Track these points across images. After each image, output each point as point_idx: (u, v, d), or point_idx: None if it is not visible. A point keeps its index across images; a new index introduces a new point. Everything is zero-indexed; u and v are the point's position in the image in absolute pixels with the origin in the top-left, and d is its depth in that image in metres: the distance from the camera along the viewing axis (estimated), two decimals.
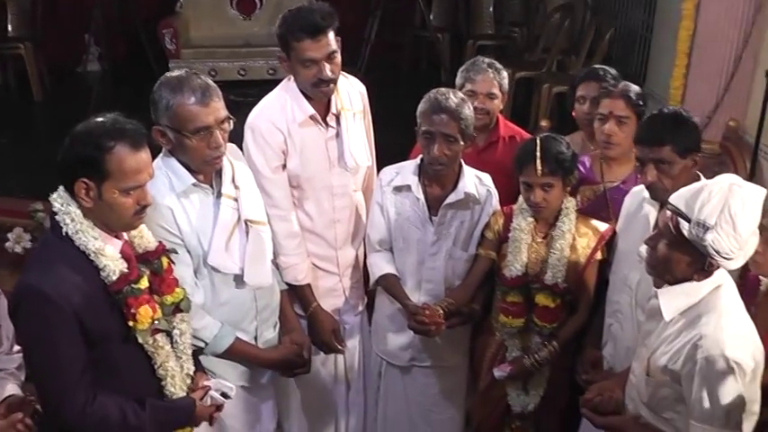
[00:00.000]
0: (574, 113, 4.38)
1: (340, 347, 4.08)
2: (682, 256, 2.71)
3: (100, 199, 2.77)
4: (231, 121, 3.32)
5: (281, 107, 3.80)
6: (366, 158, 4.05)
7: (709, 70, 6.58)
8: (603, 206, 3.96)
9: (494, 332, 3.97)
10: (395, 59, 10.67)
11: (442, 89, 3.78)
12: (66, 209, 2.79)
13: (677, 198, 2.72)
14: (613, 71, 4.28)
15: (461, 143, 3.71)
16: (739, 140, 6.14)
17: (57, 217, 2.79)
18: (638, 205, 3.56)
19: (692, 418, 2.71)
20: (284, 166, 3.83)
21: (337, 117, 3.89)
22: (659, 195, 3.30)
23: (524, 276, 3.78)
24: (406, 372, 4.16)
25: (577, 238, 3.77)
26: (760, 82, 5.67)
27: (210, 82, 3.28)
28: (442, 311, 3.71)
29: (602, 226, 3.81)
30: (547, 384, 3.91)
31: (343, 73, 3.92)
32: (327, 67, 3.66)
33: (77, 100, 9.18)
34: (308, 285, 3.99)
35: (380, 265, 3.96)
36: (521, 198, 3.79)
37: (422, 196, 3.85)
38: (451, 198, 3.83)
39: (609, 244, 3.78)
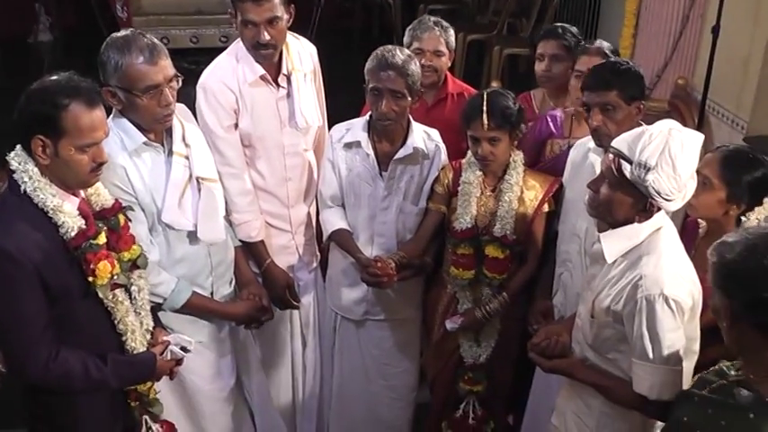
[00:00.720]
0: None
1: (295, 303, 4.13)
2: (623, 197, 2.79)
3: (56, 156, 2.79)
4: (179, 79, 3.35)
5: (233, 68, 3.82)
6: (317, 118, 4.08)
7: (658, 29, 6.70)
8: (565, 161, 4.01)
9: (445, 285, 4.04)
10: (346, 25, 10.68)
11: (389, 46, 3.81)
12: (23, 167, 2.81)
13: (619, 141, 2.79)
14: (574, 29, 4.36)
15: (409, 99, 3.75)
16: (687, 97, 6.25)
17: (14, 175, 2.81)
18: (584, 155, 3.65)
19: (634, 356, 2.79)
20: (236, 126, 3.86)
21: (288, 77, 3.92)
22: (603, 141, 3.38)
23: (474, 229, 3.83)
24: (361, 325, 4.22)
25: (525, 190, 3.83)
26: (707, 40, 5.76)
27: (156, 40, 3.30)
28: (393, 264, 3.76)
29: (550, 178, 3.89)
30: (498, 335, 3.98)
31: (294, 34, 3.96)
32: (266, 31, 3.68)
33: (29, 70, 9.13)
34: (262, 242, 4.01)
35: (333, 221, 4.00)
36: (469, 153, 3.83)
37: (371, 152, 3.89)
38: (401, 153, 3.87)
39: (556, 196, 3.86)
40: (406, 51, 3.83)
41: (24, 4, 10.55)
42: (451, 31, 4.42)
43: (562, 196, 3.85)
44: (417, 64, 3.80)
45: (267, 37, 3.68)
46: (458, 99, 4.37)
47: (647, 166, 2.68)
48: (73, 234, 2.83)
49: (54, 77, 2.84)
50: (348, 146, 3.94)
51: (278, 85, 3.90)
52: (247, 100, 3.82)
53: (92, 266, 2.85)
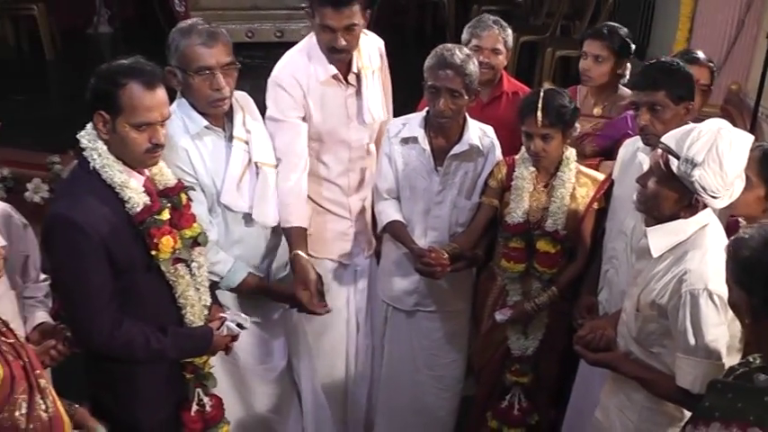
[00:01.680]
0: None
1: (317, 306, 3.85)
2: (670, 192, 2.84)
3: (113, 132, 2.93)
4: (236, 67, 3.47)
5: (305, 65, 3.90)
6: (383, 113, 4.17)
7: (712, 34, 6.67)
8: None
9: (496, 277, 4.10)
10: (400, 22, 10.71)
11: (449, 45, 3.85)
12: (93, 144, 2.95)
13: (668, 137, 2.84)
14: (623, 31, 4.37)
15: (465, 98, 3.79)
16: (740, 103, 6.23)
17: (84, 152, 2.96)
18: (632, 154, 3.68)
19: (678, 350, 2.83)
20: (303, 118, 3.91)
21: (357, 75, 3.99)
22: (650, 140, 3.42)
23: (526, 223, 3.89)
24: (411, 316, 4.28)
25: (577, 187, 3.89)
26: (762, 45, 5.75)
27: (221, 30, 3.44)
28: (447, 255, 3.83)
29: (601, 176, 3.94)
30: (545, 329, 4.04)
31: (363, 30, 3.98)
32: (342, 37, 3.73)
33: (87, 61, 9.28)
34: (301, 232, 3.87)
35: (388, 212, 4.05)
36: (523, 148, 3.91)
37: (428, 147, 3.94)
38: (456, 149, 3.93)
39: (607, 193, 3.90)
40: (466, 51, 3.86)
41: None
42: (509, 31, 4.48)
43: (611, 193, 3.88)
44: (476, 63, 3.85)
45: (343, 43, 3.75)
46: (513, 97, 4.44)
47: (694, 162, 2.72)
48: (138, 209, 2.97)
49: (121, 60, 3.00)
50: (405, 141, 4.01)
51: (347, 82, 3.97)
52: (317, 97, 3.90)
53: (155, 241, 2.99)
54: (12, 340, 2.55)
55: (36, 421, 2.50)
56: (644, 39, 8.33)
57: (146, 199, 3.01)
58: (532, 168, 3.91)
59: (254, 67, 3.83)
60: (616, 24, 4.48)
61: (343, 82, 3.96)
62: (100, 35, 10.73)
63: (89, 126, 2.99)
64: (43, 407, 2.54)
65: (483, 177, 4.04)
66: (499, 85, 4.50)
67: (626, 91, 4.32)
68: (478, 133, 3.99)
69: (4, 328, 2.57)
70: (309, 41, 3.94)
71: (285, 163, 3.83)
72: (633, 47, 4.31)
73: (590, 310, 3.86)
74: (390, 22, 10.24)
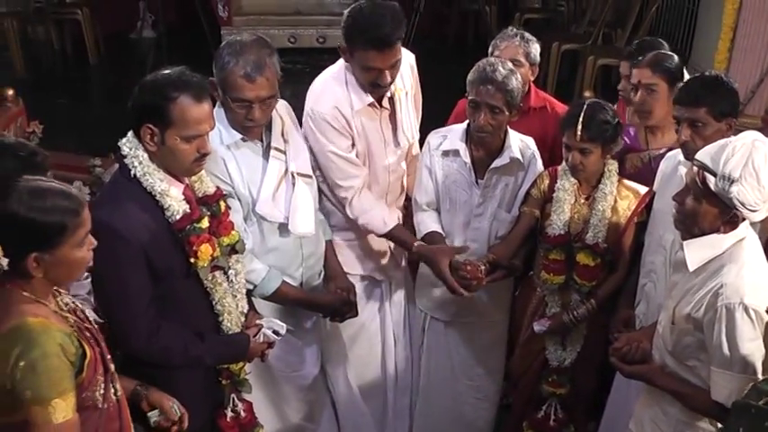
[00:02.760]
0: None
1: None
2: (709, 208, 2.80)
3: (163, 144, 2.95)
4: (277, 99, 3.48)
5: (344, 94, 3.82)
6: (415, 133, 4.15)
7: (754, 44, 6.63)
8: (650, 173, 3.99)
9: (535, 287, 4.08)
10: (442, 31, 10.73)
11: (492, 59, 3.85)
12: (134, 152, 2.97)
13: (703, 154, 2.80)
14: (663, 46, 4.29)
15: (506, 113, 3.77)
16: None
17: (125, 160, 2.98)
18: (674, 168, 3.63)
19: (713, 364, 2.81)
20: (352, 145, 3.89)
21: (391, 99, 3.94)
22: (691, 155, 3.27)
23: (566, 235, 3.87)
24: (449, 326, 4.28)
25: (618, 200, 3.85)
26: None
27: (269, 58, 3.38)
28: (483, 268, 3.80)
29: (643, 189, 3.88)
30: (584, 341, 4.02)
31: None
32: (389, 74, 3.68)
33: (130, 64, 9.42)
34: (399, 228, 4.02)
35: (427, 223, 4.03)
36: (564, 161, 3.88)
37: (469, 160, 3.92)
38: (497, 163, 3.91)
39: (648, 206, 3.85)
40: (509, 65, 3.83)
41: (128, 1, 10.85)
42: (535, 45, 4.37)
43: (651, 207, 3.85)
44: (519, 79, 3.80)
45: (389, 80, 3.71)
46: (540, 112, 4.38)
47: (731, 179, 2.69)
48: (178, 217, 3.00)
49: (167, 71, 3.00)
50: (446, 153, 3.99)
51: (382, 107, 3.93)
52: (358, 125, 3.87)
53: (194, 248, 3.01)
54: (89, 326, 2.67)
55: (109, 402, 2.66)
56: (686, 48, 8.29)
57: (185, 207, 3.03)
58: (574, 180, 3.88)
59: (296, 72, 3.80)
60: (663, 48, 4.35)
61: (378, 107, 3.91)
62: (143, 39, 10.87)
63: (130, 134, 3.01)
64: (113, 390, 2.67)
65: (524, 190, 4.01)
66: (525, 101, 4.31)
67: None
68: (519, 145, 3.97)
69: (83, 315, 2.67)
70: (342, 70, 3.85)
71: (348, 188, 3.88)
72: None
73: (627, 324, 3.81)
74: (432, 31, 10.27)
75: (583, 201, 3.90)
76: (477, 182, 3.97)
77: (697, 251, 2.90)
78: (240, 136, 3.48)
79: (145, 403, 3.02)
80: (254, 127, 3.47)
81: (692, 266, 2.90)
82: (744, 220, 2.82)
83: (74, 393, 2.45)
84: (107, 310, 3.05)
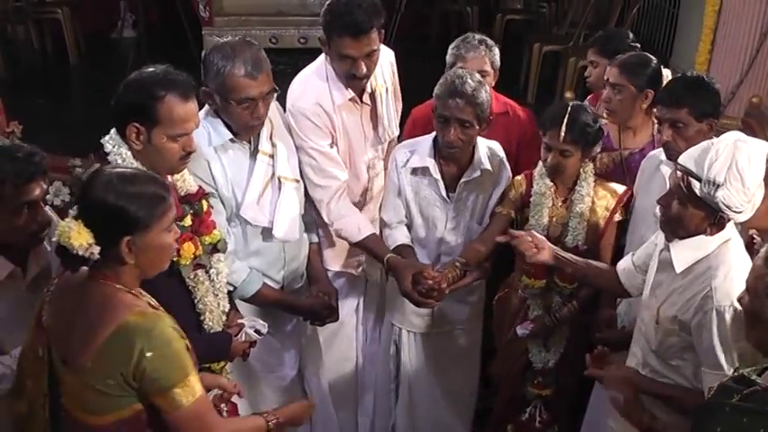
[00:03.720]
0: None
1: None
2: (694, 212, 2.81)
3: (149, 143, 2.95)
4: (275, 93, 3.49)
5: (324, 89, 3.82)
6: (395, 128, 4.14)
7: (734, 46, 6.66)
8: (621, 173, 4.06)
9: (514, 290, 4.08)
10: (423, 32, 10.71)
11: (460, 71, 3.78)
12: (117, 150, 2.97)
13: (686, 158, 2.81)
14: (628, 36, 4.42)
15: (477, 127, 3.71)
16: (761, 116, 6.17)
17: (109, 157, 2.97)
18: (655, 168, 3.66)
19: (705, 366, 2.82)
20: (331, 144, 3.89)
21: (372, 94, 3.95)
22: (673, 156, 3.34)
23: (546, 239, 3.77)
24: (423, 337, 4.26)
25: (596, 201, 3.84)
26: None
27: (262, 54, 3.42)
28: (450, 276, 3.76)
29: (620, 188, 3.90)
30: (566, 341, 4.03)
31: None
32: (363, 64, 3.67)
33: (111, 64, 9.37)
34: (373, 237, 3.96)
35: (395, 237, 4.01)
36: (540, 163, 3.85)
37: (439, 176, 3.88)
38: (467, 176, 3.88)
39: (627, 205, 3.89)
40: (477, 77, 3.76)
41: (109, 1, 10.80)
42: (497, 50, 4.33)
43: (632, 206, 3.87)
44: (488, 90, 3.75)
45: (364, 70, 3.69)
46: (502, 118, 4.30)
47: (716, 183, 2.70)
48: None
49: (152, 69, 3.00)
50: (414, 171, 3.93)
51: (362, 102, 3.93)
52: (339, 121, 3.87)
53: (176, 247, 2.96)
54: None
55: None
56: (667, 50, 8.33)
57: None
58: (550, 183, 3.85)
59: (278, 72, 3.77)
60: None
61: (359, 102, 3.91)
62: (124, 39, 10.80)
63: (113, 131, 3.01)
64: None
65: (494, 199, 4.00)
66: None
67: None
68: (487, 152, 3.92)
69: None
70: (322, 67, 3.87)
71: (325, 188, 3.84)
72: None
73: (609, 323, 3.85)
74: (413, 32, 10.25)
75: (560, 203, 3.88)
76: (448, 196, 3.94)
77: (684, 252, 2.92)
78: (230, 136, 3.47)
79: None
80: (258, 126, 3.48)
81: (678, 268, 2.92)
82: (729, 220, 2.83)
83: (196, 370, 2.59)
84: None
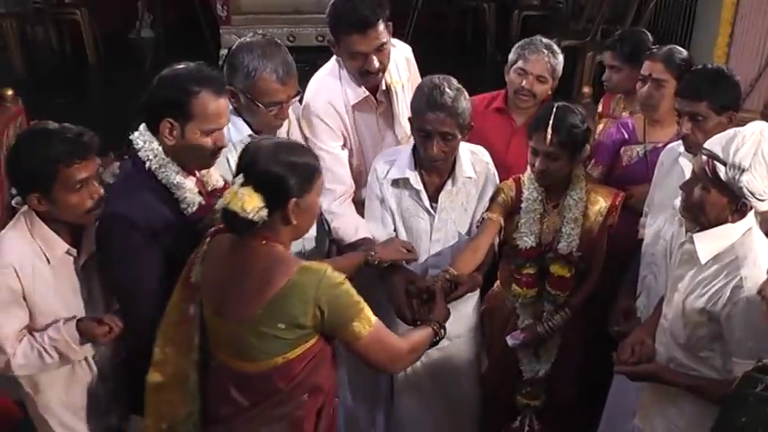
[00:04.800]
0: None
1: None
2: (717, 198, 2.80)
3: (182, 138, 3.00)
4: (299, 96, 3.53)
5: (338, 89, 3.81)
6: None
7: (753, 39, 6.63)
8: (644, 166, 4.02)
9: (502, 299, 3.99)
10: (441, 28, 10.72)
11: (436, 80, 3.54)
12: (149, 146, 3.02)
13: (712, 143, 2.80)
14: (640, 38, 4.35)
15: (459, 137, 3.56)
16: None
17: (140, 153, 3.02)
18: (674, 160, 3.62)
19: (737, 356, 2.80)
20: (343, 146, 3.87)
21: (387, 91, 3.90)
22: (692, 148, 3.37)
23: (538, 248, 3.75)
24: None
25: (589, 206, 3.73)
26: None
27: (289, 56, 3.43)
28: (440, 284, 3.55)
29: (612, 191, 3.81)
30: (559, 350, 3.92)
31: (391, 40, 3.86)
32: (375, 58, 3.64)
33: (129, 64, 9.43)
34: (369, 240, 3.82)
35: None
36: (529, 168, 3.72)
37: (421, 187, 3.73)
38: (449, 186, 3.74)
39: (622, 208, 3.79)
40: (455, 84, 3.55)
41: (127, 1, 10.86)
42: (561, 57, 4.22)
43: (650, 198, 3.78)
44: (467, 97, 3.56)
45: (377, 65, 3.67)
46: None
47: (742, 168, 2.70)
48: (194, 209, 3.05)
49: (185, 65, 3.05)
50: (395, 183, 3.77)
51: (378, 100, 3.89)
52: (353, 120, 3.85)
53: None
54: None
55: None
56: (685, 44, 8.28)
57: (200, 199, 3.08)
58: (541, 189, 3.74)
59: (296, 70, 3.79)
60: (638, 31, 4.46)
61: (374, 100, 3.88)
62: (142, 39, 10.87)
63: (143, 127, 3.05)
64: None
65: (482, 206, 3.83)
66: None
67: None
68: (471, 159, 3.78)
69: None
70: (336, 64, 3.85)
71: (329, 191, 3.76)
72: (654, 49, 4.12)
73: (627, 315, 3.72)
74: (430, 28, 10.26)
75: (552, 209, 3.77)
76: (431, 206, 3.78)
77: (708, 243, 2.89)
78: (249, 132, 3.48)
79: None
80: (280, 125, 3.52)
81: (703, 258, 2.89)
82: (751, 208, 2.82)
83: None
84: (121, 302, 3.12)
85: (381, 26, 3.61)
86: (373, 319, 2.80)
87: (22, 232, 3.03)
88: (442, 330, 3.24)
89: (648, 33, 4.45)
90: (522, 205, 3.76)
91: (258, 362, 2.78)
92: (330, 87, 3.82)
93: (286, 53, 3.43)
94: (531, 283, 3.80)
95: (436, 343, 3.23)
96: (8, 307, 2.98)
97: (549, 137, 3.51)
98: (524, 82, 4.13)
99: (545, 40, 4.22)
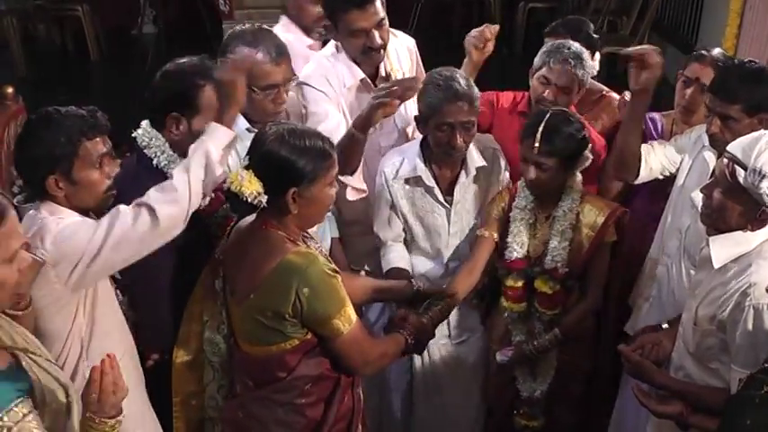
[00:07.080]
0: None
1: None
2: (736, 204, 2.70)
3: (189, 132, 2.98)
4: (295, 80, 3.50)
5: (334, 67, 3.78)
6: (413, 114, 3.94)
7: (762, 30, 6.57)
8: None
9: (499, 312, 3.81)
10: (446, 21, 10.68)
11: (445, 72, 3.51)
12: (155, 142, 3.01)
13: (734, 146, 2.70)
14: (587, 25, 4.20)
15: (476, 123, 3.54)
16: None
17: (146, 151, 3.01)
18: (699, 150, 3.52)
19: (736, 364, 2.71)
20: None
21: (387, 78, 3.82)
22: (719, 147, 3.22)
23: (525, 260, 3.60)
24: (440, 346, 3.95)
25: (582, 218, 3.55)
26: None
27: (281, 40, 3.41)
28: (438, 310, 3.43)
29: (612, 205, 3.63)
30: (557, 373, 3.74)
31: (392, 30, 3.84)
32: (377, 34, 3.63)
33: (132, 60, 9.40)
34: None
35: (389, 258, 3.81)
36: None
37: (433, 183, 3.68)
38: (462, 178, 3.70)
39: (620, 224, 3.61)
40: (461, 72, 3.57)
41: None
42: (590, 64, 3.84)
43: (673, 190, 3.65)
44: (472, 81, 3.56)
45: (379, 40, 3.64)
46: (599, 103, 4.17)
47: (762, 173, 2.59)
48: (206, 203, 3.01)
49: (187, 60, 3.05)
50: (406, 181, 3.72)
51: (375, 85, 3.82)
52: (348, 103, 3.81)
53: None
54: None
55: None
56: (693, 35, 8.23)
57: (211, 193, 3.03)
58: (531, 197, 3.59)
59: None
60: None
61: (373, 86, 3.80)
62: (144, 35, 10.83)
63: (145, 124, 3.04)
64: None
65: (494, 191, 3.78)
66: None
67: (597, 85, 4.18)
68: (479, 146, 3.73)
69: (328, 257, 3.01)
70: (334, 48, 3.85)
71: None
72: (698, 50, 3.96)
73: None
74: (435, 21, 10.22)
75: (544, 221, 3.62)
76: (446, 200, 3.73)
77: (723, 248, 2.79)
78: (246, 125, 3.42)
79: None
80: (279, 115, 3.47)
81: (717, 263, 2.79)
82: None
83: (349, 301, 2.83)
84: (138, 299, 3.08)
85: (378, 2, 3.62)
86: (354, 317, 2.81)
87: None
88: (414, 344, 3.18)
89: (589, 22, 4.27)
90: (511, 213, 3.63)
91: (258, 346, 2.83)
92: (326, 66, 3.82)
93: (276, 37, 3.41)
94: (518, 298, 3.63)
95: (408, 353, 3.24)
96: None
97: (537, 145, 3.36)
98: (547, 92, 3.78)
99: (574, 46, 3.81)
